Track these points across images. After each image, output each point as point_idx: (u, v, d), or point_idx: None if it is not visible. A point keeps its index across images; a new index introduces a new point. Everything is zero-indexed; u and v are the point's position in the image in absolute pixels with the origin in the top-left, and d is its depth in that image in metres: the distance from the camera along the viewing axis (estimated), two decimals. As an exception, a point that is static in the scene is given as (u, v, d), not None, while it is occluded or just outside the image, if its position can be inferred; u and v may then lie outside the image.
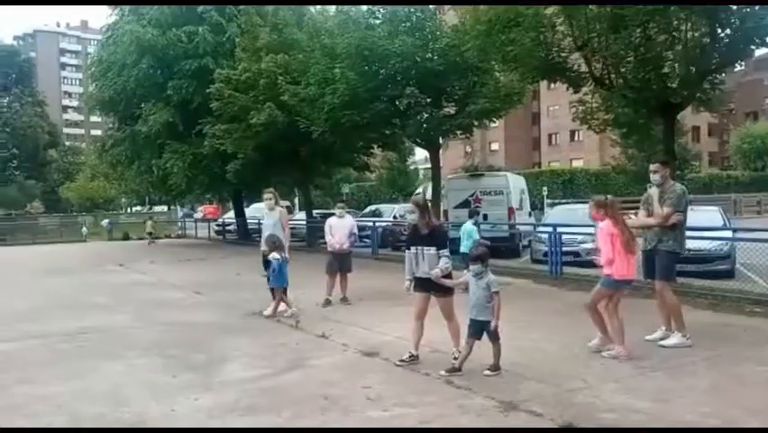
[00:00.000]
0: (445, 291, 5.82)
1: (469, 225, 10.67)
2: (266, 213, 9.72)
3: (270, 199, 9.40)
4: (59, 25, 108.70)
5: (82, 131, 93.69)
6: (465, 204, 16.66)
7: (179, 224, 37.24)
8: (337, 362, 6.17)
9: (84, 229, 33.21)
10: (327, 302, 9.41)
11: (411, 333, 5.98)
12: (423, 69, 15.58)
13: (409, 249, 5.95)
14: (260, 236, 10.40)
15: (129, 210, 57.99)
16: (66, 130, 78.22)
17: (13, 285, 13.87)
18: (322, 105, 15.95)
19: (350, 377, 5.58)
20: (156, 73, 22.66)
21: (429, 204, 6.36)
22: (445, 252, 5.77)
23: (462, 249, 9.86)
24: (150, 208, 56.34)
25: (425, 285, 5.83)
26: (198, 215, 42.24)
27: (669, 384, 5.18)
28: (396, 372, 5.73)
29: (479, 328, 5.54)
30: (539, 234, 14.24)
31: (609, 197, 6.48)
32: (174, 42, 21.76)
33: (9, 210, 54.81)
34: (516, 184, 17.98)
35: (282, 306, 8.75)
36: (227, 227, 29.35)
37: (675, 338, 6.37)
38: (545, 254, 12.60)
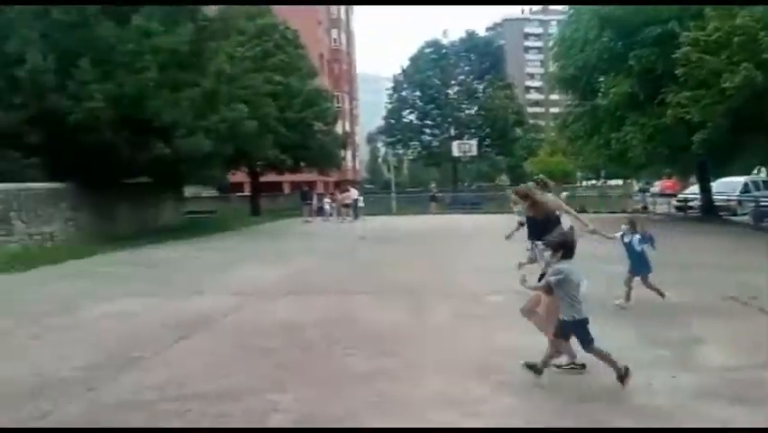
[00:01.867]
0: None
1: None
2: None
3: None
4: (522, 12, 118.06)
5: (542, 109, 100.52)
6: None
7: (636, 198, 36.31)
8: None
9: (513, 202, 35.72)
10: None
11: None
12: None
13: None
14: None
15: (582, 184, 59.66)
16: (529, 109, 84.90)
17: (477, 247, 15.82)
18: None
19: None
20: (616, 45, 22.36)
21: None
22: None
23: None
24: (605, 182, 56.69)
25: None
26: (655, 189, 40.42)
27: None
28: None
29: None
30: None
31: None
32: (635, 11, 21.04)
33: (480, 183, 63.15)
34: None
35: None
36: (689, 203, 27.24)
37: None
38: None
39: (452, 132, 53.82)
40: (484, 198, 40.21)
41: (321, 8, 56.26)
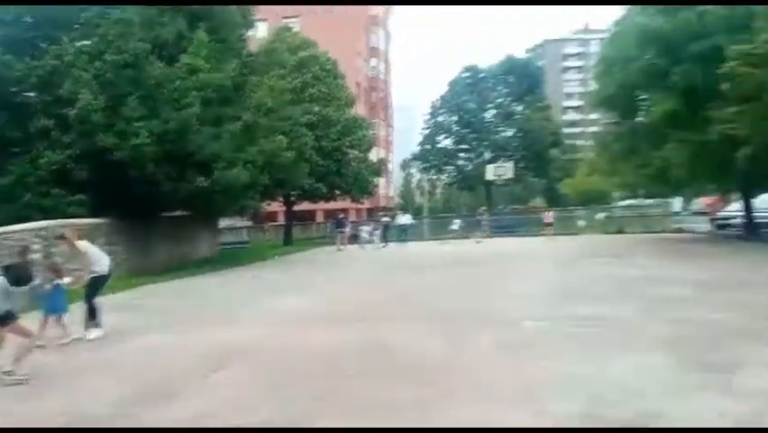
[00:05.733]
0: None
1: None
2: None
3: None
4: (563, 33, 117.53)
5: (579, 129, 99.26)
6: None
7: (676, 218, 35.34)
8: None
9: (580, 222, 34.93)
10: None
11: None
12: None
13: None
14: None
15: (620, 204, 58.29)
16: (565, 130, 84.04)
17: (524, 274, 15.65)
18: None
19: None
20: (660, 61, 22.00)
21: None
22: None
23: None
24: (643, 201, 55.25)
25: None
26: (696, 207, 39.25)
27: None
28: None
29: None
30: None
31: None
32: (681, 26, 20.70)
33: (515, 205, 62.48)
34: None
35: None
36: (728, 220, 26.35)
37: None
38: None
39: (488, 155, 53.64)
40: (519, 220, 39.60)
41: (361, 38, 57.17)
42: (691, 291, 10.46)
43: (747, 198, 24.88)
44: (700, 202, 41.40)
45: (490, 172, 44.14)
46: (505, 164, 45.17)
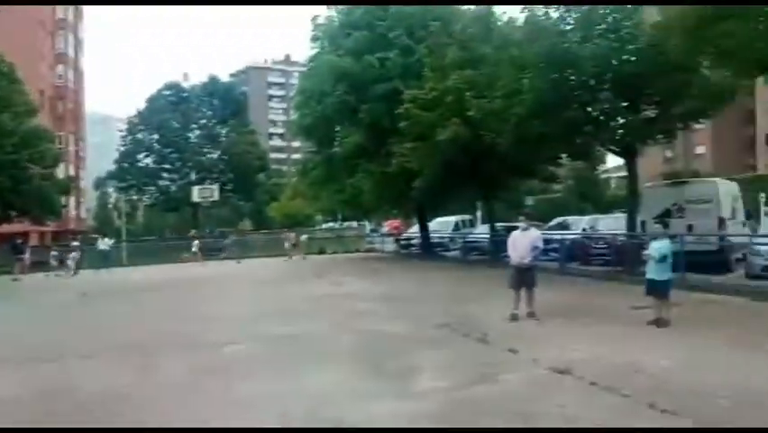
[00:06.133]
0: None
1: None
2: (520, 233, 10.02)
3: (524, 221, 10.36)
4: (265, 61, 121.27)
5: (285, 155, 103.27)
6: (666, 214, 15.31)
7: (368, 239, 39.16)
8: (528, 378, 6.03)
9: (286, 244, 36.30)
10: (514, 317, 9.24)
11: None
12: (618, 72, 14.63)
13: None
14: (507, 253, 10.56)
15: (322, 226, 62.42)
16: (272, 155, 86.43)
17: (234, 294, 15.64)
18: (509, 117, 15.73)
19: (543, 394, 5.41)
20: (350, 98, 24.22)
21: None
22: None
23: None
24: (341, 225, 60.18)
25: None
26: (384, 230, 44.06)
27: None
28: (591, 391, 5.43)
29: None
30: (757, 247, 12.59)
31: None
32: (367, 68, 23.13)
33: (223, 228, 61.96)
34: (727, 191, 16.10)
35: None
36: (411, 241, 30.25)
37: None
38: (765, 269, 11.11)
39: (193, 176, 52.13)
40: (226, 244, 39.30)
41: (45, 43, 50.74)
42: (378, 305, 11.65)
43: (423, 222, 28.82)
44: (387, 225, 46.56)
45: (196, 194, 43.06)
46: (211, 186, 44.50)
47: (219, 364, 7.27)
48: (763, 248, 11.55)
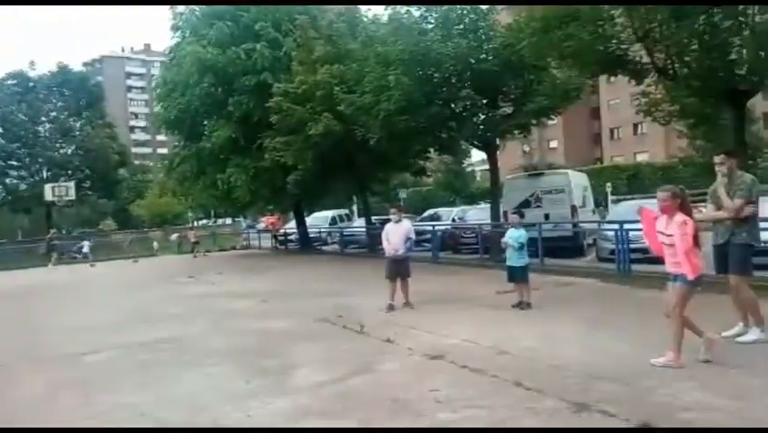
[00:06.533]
0: None
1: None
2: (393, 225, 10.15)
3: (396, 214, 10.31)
4: (123, 50, 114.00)
5: (150, 150, 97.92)
6: (525, 204, 16.47)
7: (243, 235, 38.29)
8: (404, 365, 6.23)
9: (155, 244, 34.58)
10: (390, 307, 9.50)
11: None
12: (478, 71, 15.50)
13: None
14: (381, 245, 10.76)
15: (196, 224, 60.01)
16: (134, 149, 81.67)
17: (96, 299, 14.64)
18: (377, 113, 16.08)
19: (417, 380, 5.62)
20: (217, 91, 23.45)
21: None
22: None
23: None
24: (215, 221, 58.18)
25: None
26: (261, 226, 43.28)
27: (748, 381, 4.98)
28: (463, 374, 5.74)
29: None
30: (605, 232, 13.91)
31: (681, 187, 5.76)
32: (233, 60, 22.49)
33: (83, 228, 57.61)
34: (577, 181, 17.62)
35: None
36: (289, 237, 30.01)
37: (753, 334, 6.13)
38: (612, 252, 12.31)
39: (45, 174, 47.89)
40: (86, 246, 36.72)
41: None
42: (255, 303, 11.46)
43: (301, 217, 28.67)
44: (264, 220, 45.74)
45: (49, 192, 39.62)
46: (66, 184, 41.13)
47: (79, 377, 6.79)
48: (610, 233, 12.71)
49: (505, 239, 9.38)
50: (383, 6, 17.86)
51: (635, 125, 54.74)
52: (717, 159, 6.49)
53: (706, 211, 6.69)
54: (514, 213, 11.17)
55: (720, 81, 10.92)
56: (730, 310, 6.46)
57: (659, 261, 5.94)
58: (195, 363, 6.98)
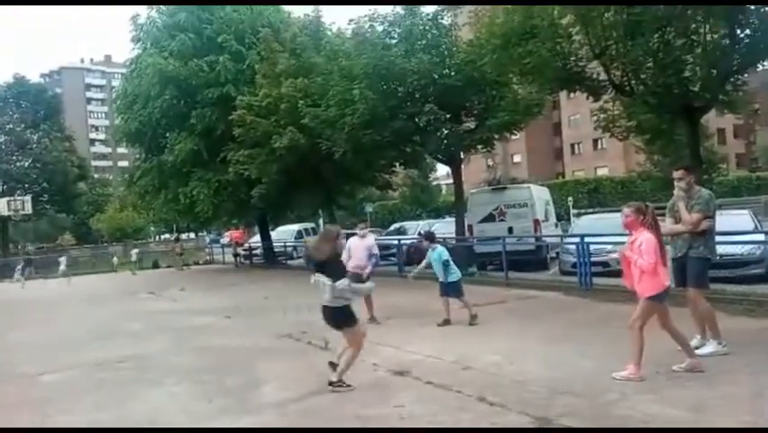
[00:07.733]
0: None
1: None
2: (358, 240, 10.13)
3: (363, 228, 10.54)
4: (83, 61, 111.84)
5: (110, 163, 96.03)
6: (489, 218, 16.65)
7: (207, 250, 37.71)
8: (369, 381, 6.18)
9: (114, 259, 33.77)
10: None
11: None
12: (441, 86, 15.65)
13: None
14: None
15: (158, 238, 58.88)
16: (94, 162, 79.98)
17: (55, 316, 14.17)
18: (342, 126, 16.09)
19: (382, 396, 5.59)
20: (179, 103, 23.15)
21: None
22: None
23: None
24: (178, 236, 57.20)
25: None
26: (225, 240, 42.70)
27: (707, 393, 5.08)
28: (427, 390, 5.72)
29: None
30: (567, 246, 14.12)
31: (647, 204, 5.95)
32: (196, 72, 22.26)
33: (41, 244, 55.98)
34: (540, 195, 17.89)
35: None
36: (254, 251, 29.64)
37: (710, 346, 6.26)
38: (574, 266, 12.49)
39: (1, 187, 46.45)
40: (48, 260, 35.71)
41: None
42: (218, 319, 11.26)
43: (266, 231, 28.38)
44: (228, 235, 45.16)
45: (4, 207, 38.46)
46: (22, 198, 39.99)
47: (35, 397, 6.54)
48: (572, 247, 12.89)
49: (427, 261, 9.37)
50: (347, 20, 17.93)
51: (596, 141, 56.06)
52: (676, 174, 6.66)
53: (664, 225, 6.85)
54: (419, 240, 11.27)
55: (675, 98, 11.27)
56: (689, 323, 6.60)
57: (618, 274, 6.03)
58: (156, 381, 6.80)
